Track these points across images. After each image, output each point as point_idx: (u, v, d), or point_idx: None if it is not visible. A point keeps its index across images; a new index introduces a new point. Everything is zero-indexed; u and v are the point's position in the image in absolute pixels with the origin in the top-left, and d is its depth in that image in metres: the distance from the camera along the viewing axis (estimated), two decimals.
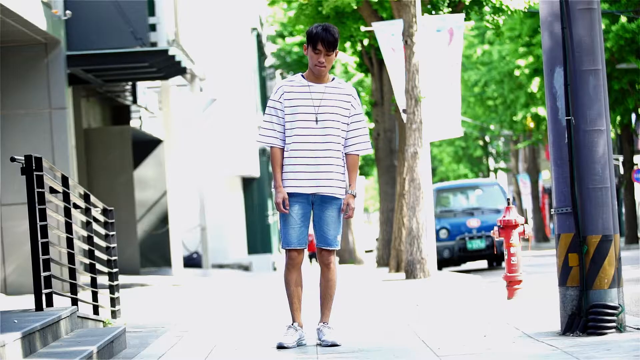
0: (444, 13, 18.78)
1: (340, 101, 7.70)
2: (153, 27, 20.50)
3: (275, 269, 36.84)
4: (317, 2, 20.71)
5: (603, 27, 23.92)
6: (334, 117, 7.67)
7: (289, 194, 7.65)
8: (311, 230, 8.03)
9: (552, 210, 7.59)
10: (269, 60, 42.83)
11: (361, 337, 8.18)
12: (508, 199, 11.59)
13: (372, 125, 28.96)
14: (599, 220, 7.44)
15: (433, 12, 18.78)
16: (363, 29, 21.08)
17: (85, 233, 10.39)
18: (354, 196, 7.76)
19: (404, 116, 17.92)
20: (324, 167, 7.66)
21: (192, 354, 7.82)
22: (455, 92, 17.93)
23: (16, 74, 18.05)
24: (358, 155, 7.80)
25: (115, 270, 11.42)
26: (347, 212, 7.73)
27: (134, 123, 28.13)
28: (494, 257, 24.49)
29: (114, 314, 11.09)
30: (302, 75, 7.76)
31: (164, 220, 27.06)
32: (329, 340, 7.66)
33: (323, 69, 7.64)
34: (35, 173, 8.22)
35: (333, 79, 7.77)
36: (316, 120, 7.64)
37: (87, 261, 10.47)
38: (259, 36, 39.84)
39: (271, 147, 7.71)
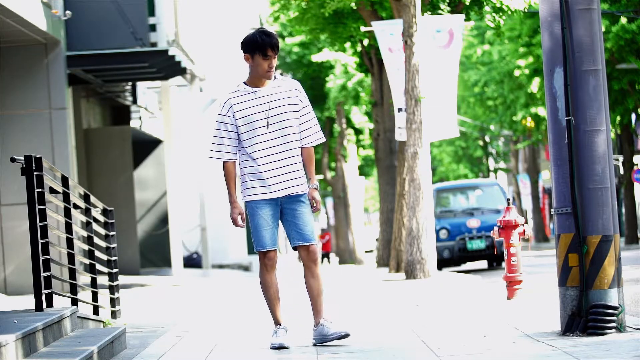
0: (444, 13, 18.78)
1: (289, 98, 7.76)
2: (153, 28, 20.50)
3: None
4: (319, 4, 20.70)
5: (603, 27, 23.92)
6: (286, 116, 7.72)
7: (259, 200, 7.66)
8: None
9: (552, 210, 7.59)
10: None
11: (361, 337, 8.18)
12: (508, 199, 11.58)
13: (372, 125, 28.94)
14: (599, 221, 7.44)
15: (433, 12, 18.77)
16: (363, 29, 21.08)
17: (85, 233, 10.39)
18: (316, 189, 7.82)
19: (402, 115, 17.93)
20: (288, 168, 7.73)
21: (192, 354, 7.82)
22: (452, 93, 17.94)
23: (16, 74, 18.06)
24: (312, 147, 7.85)
25: (115, 270, 11.42)
26: (315, 205, 7.76)
27: (134, 123, 28.14)
28: (494, 257, 24.47)
29: (114, 314, 11.09)
30: (245, 83, 7.79)
31: (164, 220, 27.06)
32: (341, 331, 7.69)
33: (272, 73, 7.71)
34: (35, 173, 8.22)
35: (275, 77, 7.81)
36: (267, 125, 7.66)
37: (87, 261, 10.47)
38: None
39: (223, 162, 7.72)
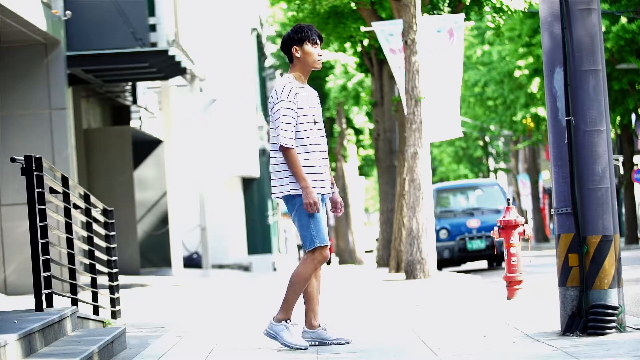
0: (444, 13, 18.78)
1: (318, 101, 7.80)
2: (153, 28, 20.50)
3: (275, 269, 36.85)
4: (316, 1, 20.70)
5: (603, 27, 23.91)
6: (322, 117, 7.77)
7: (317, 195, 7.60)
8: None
9: (552, 210, 7.59)
10: (269, 61, 42.87)
11: (361, 337, 8.18)
12: (508, 199, 11.58)
13: (372, 125, 28.93)
14: (599, 221, 7.44)
15: (433, 12, 18.77)
16: (363, 29, 21.07)
17: (85, 233, 10.39)
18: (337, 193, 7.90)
19: None
20: (328, 167, 7.77)
21: (192, 354, 7.82)
22: (455, 93, 17.93)
23: (16, 74, 18.06)
24: None
25: (115, 270, 11.42)
26: (340, 208, 7.79)
27: (134, 123, 28.14)
28: (494, 257, 24.48)
29: (114, 314, 11.09)
30: (293, 77, 7.71)
31: (164, 220, 27.06)
32: (346, 338, 7.75)
33: (321, 62, 7.69)
34: (35, 173, 8.22)
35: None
36: (314, 122, 7.66)
37: (87, 261, 10.47)
38: (259, 36, 39.86)
39: (290, 149, 7.53)
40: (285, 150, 7.51)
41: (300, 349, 7.56)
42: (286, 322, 7.67)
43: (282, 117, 7.52)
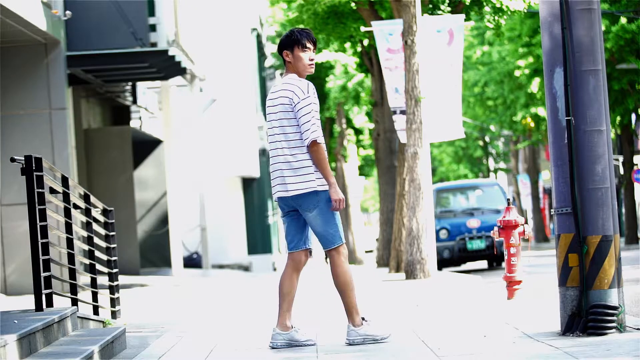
0: (444, 13, 18.77)
1: None
2: (153, 28, 20.50)
3: (275, 269, 36.85)
4: (315, 2, 20.69)
5: (603, 27, 23.88)
6: None
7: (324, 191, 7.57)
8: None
9: (552, 210, 7.59)
10: (269, 61, 42.86)
11: None
12: (508, 199, 11.59)
13: (372, 125, 28.91)
14: (599, 221, 7.44)
15: (433, 12, 18.77)
16: (363, 29, 21.07)
17: (85, 233, 10.40)
18: None
19: (398, 117, 18.00)
20: None
21: (192, 354, 7.82)
22: (456, 93, 17.93)
23: (16, 74, 18.06)
24: None
25: (115, 270, 11.42)
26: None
27: (134, 123, 28.15)
28: (494, 257, 24.49)
29: (114, 315, 11.09)
30: (296, 76, 7.70)
31: (164, 220, 27.07)
32: (314, 339, 7.83)
33: (313, 67, 7.65)
34: (35, 173, 8.22)
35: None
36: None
37: (87, 261, 10.47)
38: (259, 36, 39.87)
39: (321, 144, 7.51)
40: (318, 146, 7.46)
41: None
42: (363, 319, 7.70)
43: (314, 113, 7.50)
